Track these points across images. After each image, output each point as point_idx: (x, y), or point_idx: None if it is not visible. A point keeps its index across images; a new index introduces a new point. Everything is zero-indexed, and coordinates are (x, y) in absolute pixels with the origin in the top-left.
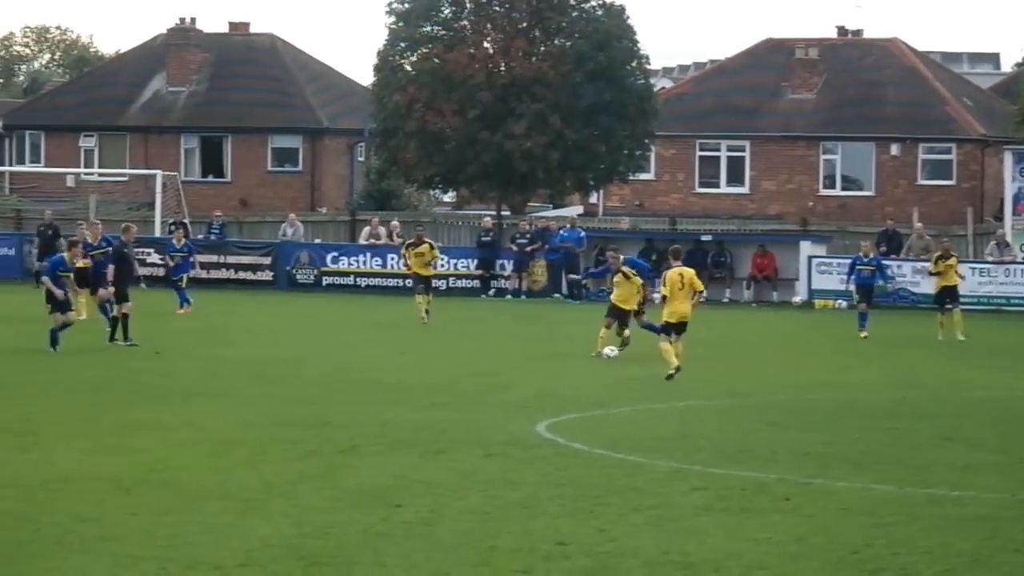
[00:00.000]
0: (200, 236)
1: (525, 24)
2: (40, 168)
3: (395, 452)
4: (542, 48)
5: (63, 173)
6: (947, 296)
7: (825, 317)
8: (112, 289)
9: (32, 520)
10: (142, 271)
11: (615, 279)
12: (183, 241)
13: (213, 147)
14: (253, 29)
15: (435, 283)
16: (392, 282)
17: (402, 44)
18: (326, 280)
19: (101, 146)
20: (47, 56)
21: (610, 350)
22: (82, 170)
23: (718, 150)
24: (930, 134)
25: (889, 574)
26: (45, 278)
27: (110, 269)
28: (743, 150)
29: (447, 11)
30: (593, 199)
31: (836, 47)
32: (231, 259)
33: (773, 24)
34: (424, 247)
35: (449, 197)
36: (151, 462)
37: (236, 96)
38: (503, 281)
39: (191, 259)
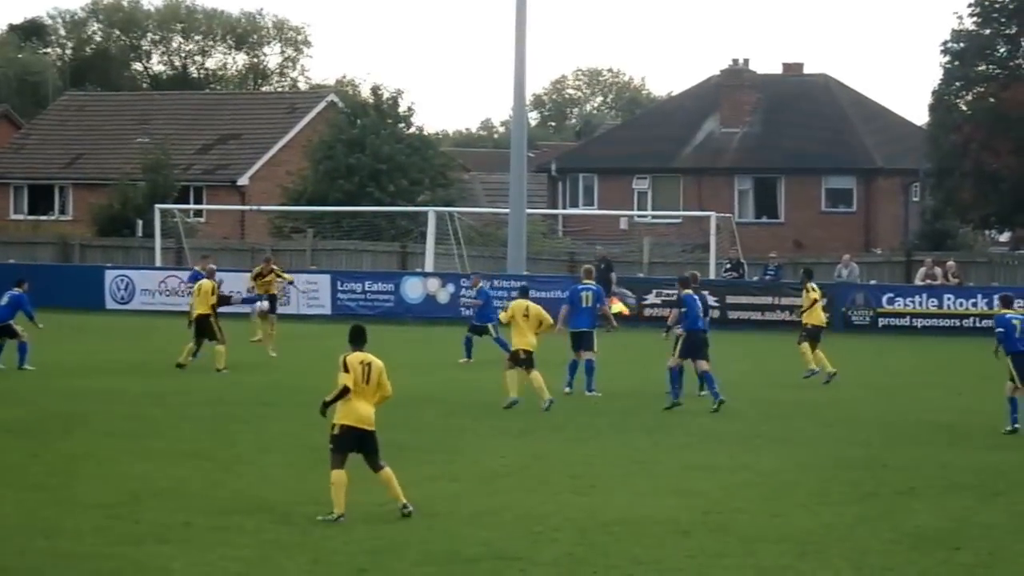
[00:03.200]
0: (755, 278)
1: None
2: (593, 210)
3: (953, 494)
4: None
5: (616, 215)
6: None
7: None
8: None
9: (590, 563)
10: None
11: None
12: (480, 285)
13: (767, 188)
14: (807, 70)
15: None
16: (948, 323)
17: (957, 83)
18: (882, 321)
19: (654, 188)
20: (599, 99)
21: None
22: (635, 212)
23: None
24: None
25: None
26: None
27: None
28: None
29: (1002, 50)
30: None
31: None
32: (785, 301)
33: None
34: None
35: (1005, 237)
36: (708, 505)
37: (790, 137)
38: None
39: (490, 306)
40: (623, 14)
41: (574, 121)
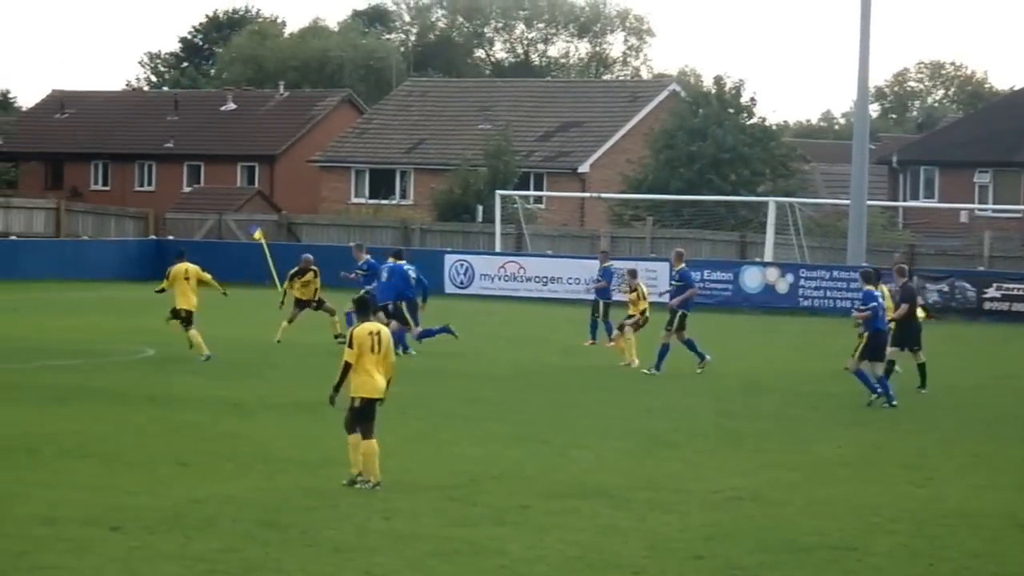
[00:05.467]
0: None
1: None
2: (933, 203)
3: None
4: None
5: (956, 208)
6: None
7: None
8: None
9: (926, 554)
10: None
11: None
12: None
13: None
14: None
15: None
16: None
17: None
18: None
19: (995, 181)
20: (941, 92)
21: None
22: (976, 206)
23: None
24: None
25: None
26: None
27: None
28: None
29: None
30: None
31: None
32: None
33: None
34: None
35: None
36: None
37: None
38: None
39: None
40: (968, 6)
41: (915, 113)
